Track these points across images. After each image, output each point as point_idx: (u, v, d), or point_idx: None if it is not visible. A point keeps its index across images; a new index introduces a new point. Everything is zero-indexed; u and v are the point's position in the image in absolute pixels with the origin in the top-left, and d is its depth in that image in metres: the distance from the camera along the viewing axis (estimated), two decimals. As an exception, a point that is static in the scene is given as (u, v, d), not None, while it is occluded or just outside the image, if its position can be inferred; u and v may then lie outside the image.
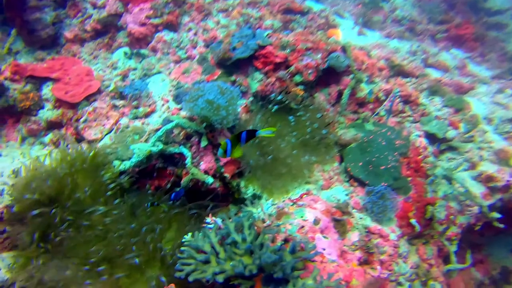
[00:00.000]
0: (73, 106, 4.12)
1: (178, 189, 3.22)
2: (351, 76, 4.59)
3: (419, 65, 5.73)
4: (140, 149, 3.25)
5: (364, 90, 4.67)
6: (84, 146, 3.67)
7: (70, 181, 3.07)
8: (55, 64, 4.34)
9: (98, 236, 2.84)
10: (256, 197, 3.67)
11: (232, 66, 4.27)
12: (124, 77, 4.51)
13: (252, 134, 2.61)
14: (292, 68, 4.13)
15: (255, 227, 2.73)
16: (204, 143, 3.48)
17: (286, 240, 2.78)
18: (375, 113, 4.67)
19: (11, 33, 4.43)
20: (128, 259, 2.73)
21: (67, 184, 3.05)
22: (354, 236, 3.27)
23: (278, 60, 4.14)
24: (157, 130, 3.51)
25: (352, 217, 3.50)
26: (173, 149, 3.43)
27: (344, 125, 4.59)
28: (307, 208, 3.19)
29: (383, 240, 3.46)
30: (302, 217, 3.04)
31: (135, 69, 4.63)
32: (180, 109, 3.88)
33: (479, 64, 6.66)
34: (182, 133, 3.53)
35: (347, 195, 3.96)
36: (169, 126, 3.36)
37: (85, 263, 2.73)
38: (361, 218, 3.65)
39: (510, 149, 4.59)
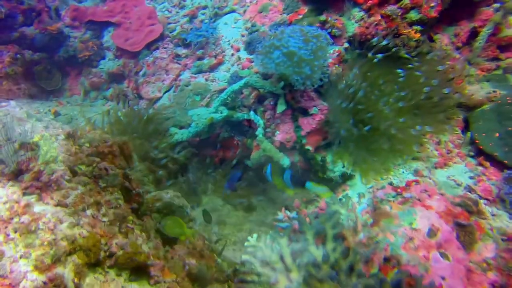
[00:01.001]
0: (134, 55, 3.58)
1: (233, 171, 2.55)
2: (496, 5, 3.22)
3: None
4: (200, 115, 2.58)
5: (514, 26, 3.28)
6: (142, 104, 3.13)
7: (120, 152, 2.59)
8: (116, 6, 3.77)
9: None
10: (346, 178, 2.84)
11: (323, 0, 3.24)
12: (192, 18, 3.79)
13: (299, 180, 1.95)
14: (406, 1, 2.96)
15: (343, 239, 1.96)
16: (281, 108, 2.68)
17: (386, 259, 1.97)
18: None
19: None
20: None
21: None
22: (486, 249, 2.31)
23: (387, -11, 3.00)
24: (222, 90, 2.79)
25: (484, 218, 2.50)
26: (241, 115, 2.71)
27: (474, 78, 3.35)
28: (418, 207, 2.29)
29: (530, 253, 2.43)
30: (411, 224, 2.17)
31: (205, 7, 3.86)
32: (253, 60, 3.07)
33: None
34: (253, 94, 2.76)
35: (472, 178, 2.91)
36: (236, 86, 2.61)
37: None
38: (494, 216, 2.63)
39: None
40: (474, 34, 3.26)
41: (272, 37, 2.61)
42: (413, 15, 3.02)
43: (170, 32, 3.67)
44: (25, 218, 1.61)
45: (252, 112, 2.68)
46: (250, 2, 3.74)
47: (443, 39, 3.26)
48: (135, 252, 1.76)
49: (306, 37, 2.55)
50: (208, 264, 2.14)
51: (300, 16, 3.27)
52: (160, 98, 3.12)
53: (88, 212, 1.83)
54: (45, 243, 1.54)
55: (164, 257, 1.99)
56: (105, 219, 1.89)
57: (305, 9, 3.31)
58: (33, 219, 1.60)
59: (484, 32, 3.16)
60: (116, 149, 2.31)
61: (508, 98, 3.07)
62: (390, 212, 2.27)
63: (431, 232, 2.13)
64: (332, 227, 1.95)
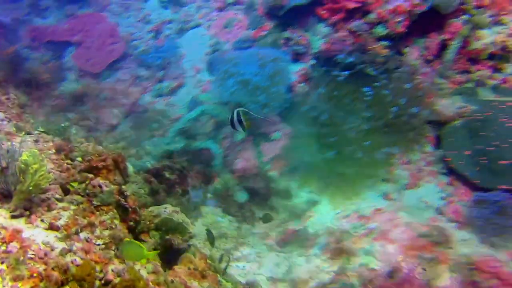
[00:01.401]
0: (96, 76, 3.45)
1: None
2: (465, 17, 3.10)
3: None
4: (156, 146, 2.48)
5: (484, 38, 3.16)
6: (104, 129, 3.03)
7: (114, 166, 2.44)
8: (77, 24, 3.63)
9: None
10: (311, 204, 2.75)
11: (287, 16, 3.13)
12: (158, 33, 3.67)
13: None
14: (372, 16, 2.85)
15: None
16: (240, 135, 2.58)
17: (341, 306, 1.89)
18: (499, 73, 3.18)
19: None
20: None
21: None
22: (450, 283, 2.23)
23: (352, 5, 2.88)
24: (179, 118, 2.68)
25: (450, 247, 2.41)
26: (200, 144, 2.60)
27: (446, 92, 3.23)
28: (380, 242, 2.20)
29: (502, 283, 2.35)
30: (371, 263, 2.08)
31: (170, 21, 3.74)
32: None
33: None
34: (211, 121, 2.65)
35: (443, 198, 2.82)
36: (192, 114, 2.52)
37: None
38: (463, 241, 2.54)
39: None
40: (444, 46, 3.15)
41: (228, 61, 2.49)
42: (380, 30, 2.91)
43: (134, 50, 3.54)
44: (13, 246, 1.43)
45: (210, 141, 2.58)
46: (217, 15, 3.62)
47: (413, 52, 3.15)
48: (133, 279, 1.59)
49: (262, 62, 2.44)
50: (211, 285, 2.00)
51: (264, 33, 3.16)
52: (119, 124, 3.01)
53: (82, 235, 1.65)
54: (35, 274, 1.39)
55: (165, 282, 1.84)
56: (99, 242, 1.71)
57: (269, 25, 3.19)
58: (22, 246, 1.44)
59: (454, 45, 3.05)
60: (110, 163, 2.14)
61: (477, 114, 2.97)
62: (351, 249, 2.18)
63: (392, 272, 2.04)
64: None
